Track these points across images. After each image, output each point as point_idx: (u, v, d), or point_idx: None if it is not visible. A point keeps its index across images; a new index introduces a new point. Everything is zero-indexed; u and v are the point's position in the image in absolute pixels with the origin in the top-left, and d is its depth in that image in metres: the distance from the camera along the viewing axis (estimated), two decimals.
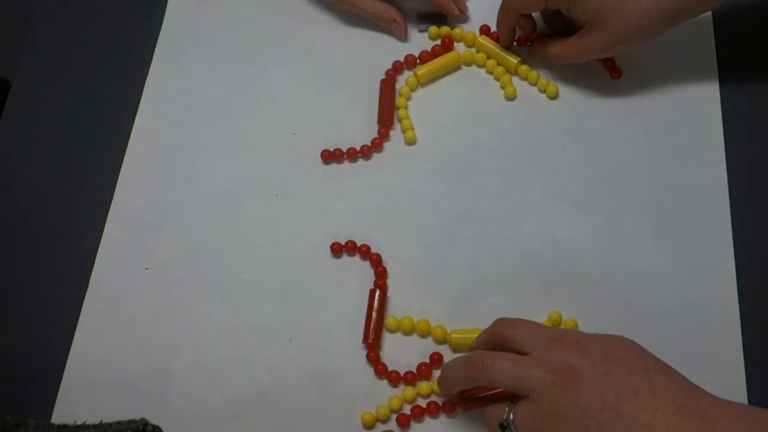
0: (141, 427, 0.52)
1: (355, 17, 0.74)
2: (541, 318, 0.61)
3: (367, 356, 0.61)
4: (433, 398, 0.60)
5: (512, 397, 0.52)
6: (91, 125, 0.71)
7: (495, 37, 0.73)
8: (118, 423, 0.52)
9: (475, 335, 0.59)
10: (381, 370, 0.60)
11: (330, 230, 0.66)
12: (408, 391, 0.59)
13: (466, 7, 0.74)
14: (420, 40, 0.74)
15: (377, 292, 0.62)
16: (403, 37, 0.72)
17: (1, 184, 0.69)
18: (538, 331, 0.52)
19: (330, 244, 0.65)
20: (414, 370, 0.60)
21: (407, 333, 0.62)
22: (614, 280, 0.63)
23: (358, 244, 0.65)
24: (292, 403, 0.60)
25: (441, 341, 0.61)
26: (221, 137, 0.70)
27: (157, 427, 0.54)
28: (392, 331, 0.62)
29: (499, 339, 0.54)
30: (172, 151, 0.70)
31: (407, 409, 0.59)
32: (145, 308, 0.63)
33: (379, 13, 0.72)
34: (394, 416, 0.59)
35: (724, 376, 0.59)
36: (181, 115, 0.71)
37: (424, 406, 0.59)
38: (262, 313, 0.63)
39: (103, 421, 0.53)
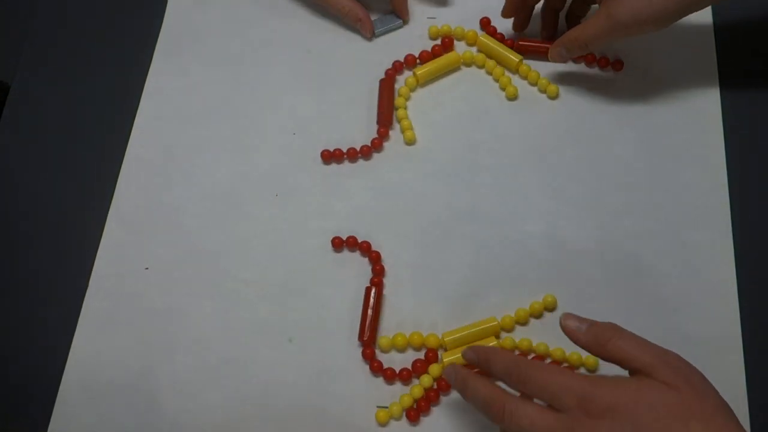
0: None
1: None
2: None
3: (363, 354, 0.61)
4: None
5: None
6: (91, 125, 0.71)
7: (493, 31, 0.73)
8: None
9: (467, 332, 0.61)
10: (376, 368, 0.60)
11: (330, 230, 0.66)
12: (416, 389, 0.60)
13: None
14: (420, 40, 0.74)
15: (373, 290, 0.62)
16: (367, 36, 0.73)
17: (1, 184, 0.69)
18: (567, 385, 0.48)
19: (331, 239, 0.65)
20: (410, 367, 0.61)
21: (401, 350, 0.62)
22: (614, 280, 0.63)
23: (359, 241, 0.65)
24: (292, 403, 0.60)
25: (436, 348, 0.62)
26: (221, 137, 0.70)
27: None
28: (386, 351, 0.62)
29: (525, 381, 0.50)
30: (172, 151, 0.70)
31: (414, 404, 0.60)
32: (145, 308, 0.64)
33: (345, 10, 0.72)
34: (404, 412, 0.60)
35: (724, 376, 0.59)
36: (181, 115, 0.71)
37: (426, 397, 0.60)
38: (262, 313, 0.63)
39: None
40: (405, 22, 0.73)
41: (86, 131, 0.71)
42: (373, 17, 0.73)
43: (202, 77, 0.73)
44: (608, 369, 0.60)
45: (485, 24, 0.73)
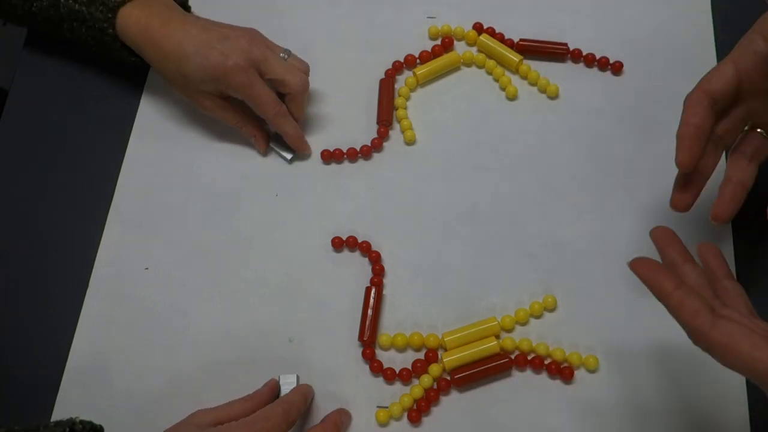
0: (67, 429, 0.52)
1: (354, 18, 0.75)
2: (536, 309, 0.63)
3: (363, 354, 0.61)
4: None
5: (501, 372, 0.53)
6: (90, 126, 0.71)
7: (492, 31, 0.73)
8: (45, 426, 0.52)
9: (467, 332, 0.61)
10: (376, 368, 0.60)
11: (330, 230, 0.66)
12: (416, 389, 0.60)
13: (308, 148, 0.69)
14: (420, 40, 0.74)
15: (373, 290, 0.62)
16: (260, 152, 0.69)
17: (1, 184, 0.69)
18: None
19: (331, 239, 0.65)
20: (410, 367, 0.61)
21: (401, 349, 0.62)
22: (614, 280, 0.63)
23: (359, 241, 0.65)
24: None
25: (436, 348, 0.62)
26: (221, 137, 0.70)
27: (88, 422, 0.54)
28: (386, 349, 0.62)
29: None
30: (172, 151, 0.70)
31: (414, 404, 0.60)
32: (145, 308, 0.64)
33: (240, 125, 0.68)
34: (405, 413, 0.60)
35: (724, 376, 0.59)
36: (181, 115, 0.71)
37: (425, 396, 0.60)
38: (262, 313, 0.63)
39: (31, 425, 0.53)
40: (306, 155, 0.69)
41: (86, 132, 0.71)
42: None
43: None
44: (609, 371, 0.60)
45: (478, 29, 0.73)
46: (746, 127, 0.59)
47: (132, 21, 0.65)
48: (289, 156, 0.69)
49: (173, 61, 0.64)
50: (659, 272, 0.48)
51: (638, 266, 0.49)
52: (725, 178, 0.58)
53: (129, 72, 0.72)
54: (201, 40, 0.64)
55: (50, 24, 0.68)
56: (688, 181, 0.58)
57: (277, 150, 0.69)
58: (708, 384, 0.59)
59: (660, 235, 0.53)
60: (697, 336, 0.46)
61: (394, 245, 0.65)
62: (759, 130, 0.58)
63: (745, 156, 0.58)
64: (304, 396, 0.58)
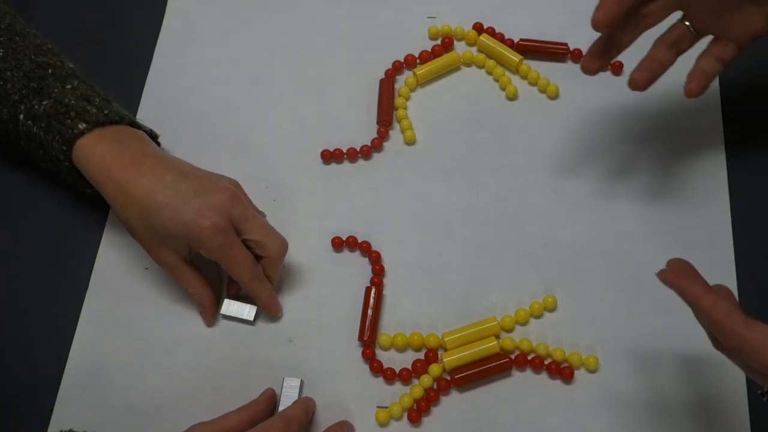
0: None
1: (354, 18, 0.75)
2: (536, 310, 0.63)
3: (363, 354, 0.61)
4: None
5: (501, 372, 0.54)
6: None
7: (492, 31, 0.73)
8: None
9: (467, 332, 0.61)
10: (376, 368, 0.60)
11: (330, 230, 0.66)
12: (416, 389, 0.60)
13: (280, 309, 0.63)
14: (420, 40, 0.74)
15: (373, 290, 0.62)
16: (207, 324, 0.62)
17: (1, 185, 0.69)
18: None
19: (331, 239, 0.65)
20: (410, 367, 0.61)
21: (401, 349, 0.62)
22: (614, 280, 0.63)
23: (359, 241, 0.65)
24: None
25: (436, 348, 0.62)
26: (221, 137, 0.70)
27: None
28: (386, 349, 0.62)
29: None
30: (173, 151, 0.69)
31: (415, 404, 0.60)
32: (145, 308, 0.64)
33: (192, 292, 0.61)
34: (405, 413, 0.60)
35: (724, 377, 0.59)
36: (181, 115, 0.71)
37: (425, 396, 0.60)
38: (262, 313, 0.63)
39: None
40: (277, 316, 0.63)
41: None
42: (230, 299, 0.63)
43: (202, 77, 0.73)
44: (609, 371, 0.60)
45: (479, 29, 0.73)
46: (677, 19, 0.60)
47: (95, 156, 0.58)
48: (252, 315, 0.62)
49: (138, 209, 0.57)
50: (689, 278, 0.49)
51: (666, 276, 0.49)
52: (646, 56, 0.60)
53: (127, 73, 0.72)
54: (175, 191, 0.56)
55: (9, 137, 0.62)
56: (600, 49, 0.59)
57: (234, 315, 0.62)
58: (708, 384, 0.59)
59: (675, 270, 0.51)
60: (730, 335, 0.46)
61: (394, 245, 0.65)
62: (687, 23, 0.59)
63: (667, 43, 0.60)
64: (306, 409, 0.57)
